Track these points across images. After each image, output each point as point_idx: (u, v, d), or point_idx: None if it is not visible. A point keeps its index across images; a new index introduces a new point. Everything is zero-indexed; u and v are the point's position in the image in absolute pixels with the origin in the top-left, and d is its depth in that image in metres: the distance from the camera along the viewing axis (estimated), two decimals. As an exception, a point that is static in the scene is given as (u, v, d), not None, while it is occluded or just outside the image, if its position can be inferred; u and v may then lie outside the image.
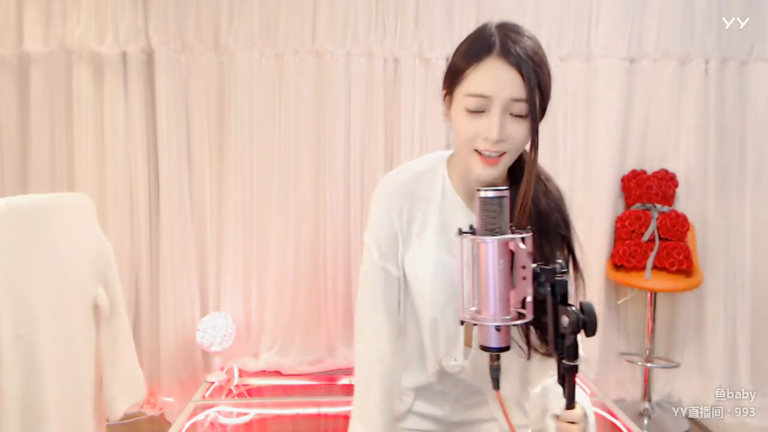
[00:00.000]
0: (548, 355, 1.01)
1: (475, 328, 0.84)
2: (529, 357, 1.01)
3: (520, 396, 1.17)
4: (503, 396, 1.18)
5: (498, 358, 0.83)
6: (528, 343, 1.00)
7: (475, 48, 0.94)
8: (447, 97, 1.03)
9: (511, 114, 0.93)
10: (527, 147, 1.00)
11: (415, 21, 2.86)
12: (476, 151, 0.96)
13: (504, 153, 0.96)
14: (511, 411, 1.20)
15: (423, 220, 1.08)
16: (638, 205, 2.88)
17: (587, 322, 0.79)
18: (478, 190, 0.80)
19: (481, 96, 0.93)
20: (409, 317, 1.15)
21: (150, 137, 2.84)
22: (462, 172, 1.07)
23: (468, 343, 1.08)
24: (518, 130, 0.94)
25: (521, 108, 0.93)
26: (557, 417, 0.91)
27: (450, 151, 1.14)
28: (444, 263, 1.06)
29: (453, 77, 0.99)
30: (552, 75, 0.97)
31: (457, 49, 1.01)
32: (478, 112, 0.94)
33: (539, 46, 0.96)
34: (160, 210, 2.84)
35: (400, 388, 1.21)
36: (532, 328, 0.97)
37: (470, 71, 0.94)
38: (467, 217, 1.05)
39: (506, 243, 0.79)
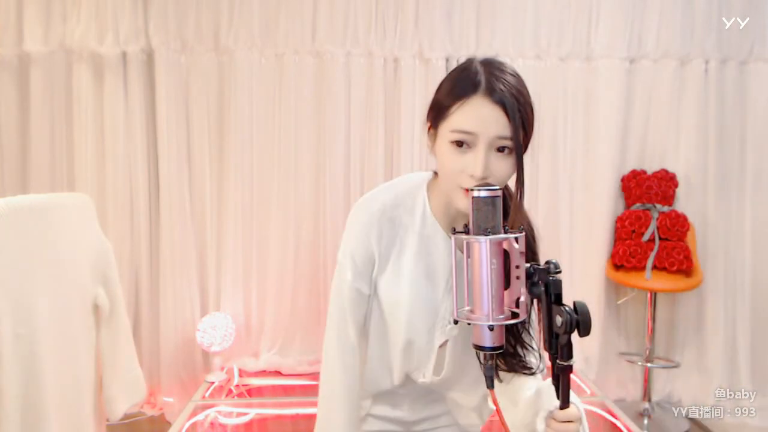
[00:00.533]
0: (511, 370, 1.04)
1: (470, 326, 0.84)
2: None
3: (475, 399, 1.20)
4: (458, 402, 1.20)
5: (492, 357, 0.83)
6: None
7: (461, 85, 0.95)
8: (431, 130, 1.03)
9: (495, 149, 0.94)
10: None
11: (415, 21, 2.86)
12: (456, 185, 0.97)
13: None
14: (468, 415, 1.22)
15: (401, 246, 1.08)
16: (638, 205, 2.88)
17: (581, 322, 0.79)
18: (472, 189, 0.80)
19: (467, 133, 0.93)
20: (374, 332, 1.16)
21: (150, 137, 2.85)
22: (444, 201, 1.07)
23: (438, 373, 1.12)
24: (503, 166, 0.95)
25: (506, 144, 0.93)
26: (552, 417, 0.91)
27: (428, 173, 1.14)
28: (421, 289, 1.07)
29: (438, 112, 0.99)
30: (535, 110, 0.97)
31: (442, 85, 1.01)
32: (463, 147, 0.95)
33: (523, 84, 0.97)
34: (160, 210, 2.84)
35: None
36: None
37: (456, 108, 0.95)
38: (446, 244, 1.06)
39: (499, 243, 0.79)
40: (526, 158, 0.97)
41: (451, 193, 1.00)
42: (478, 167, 0.92)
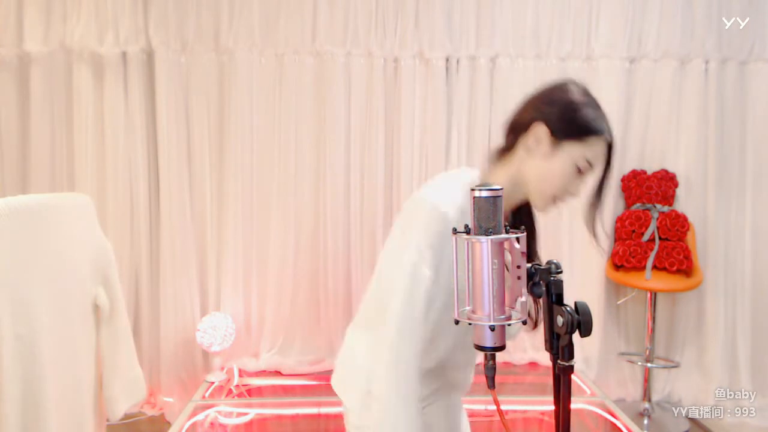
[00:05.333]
0: None
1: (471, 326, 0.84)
2: None
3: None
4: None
5: (493, 357, 0.83)
6: None
7: (601, 122, 1.05)
8: (553, 139, 1.04)
9: None
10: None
11: (415, 21, 2.86)
12: (553, 197, 1.06)
13: None
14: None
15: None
16: (638, 205, 2.88)
17: (582, 322, 0.79)
18: (473, 189, 0.80)
19: (593, 168, 1.05)
20: (445, 324, 1.09)
21: (150, 137, 2.85)
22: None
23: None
24: None
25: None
26: None
27: (476, 171, 1.14)
28: None
29: (575, 132, 1.03)
30: None
31: (583, 108, 1.05)
32: (580, 173, 1.05)
33: None
34: (160, 210, 2.84)
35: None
36: None
37: (595, 141, 1.03)
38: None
39: (501, 243, 0.79)
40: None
41: (536, 198, 1.08)
42: (580, 193, 1.06)
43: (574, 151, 1.03)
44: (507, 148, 1.11)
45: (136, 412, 2.79)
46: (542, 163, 1.04)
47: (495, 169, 1.13)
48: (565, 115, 1.04)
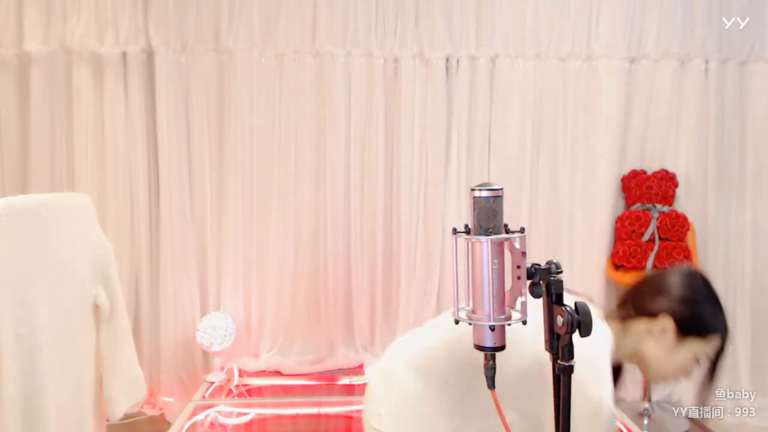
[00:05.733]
0: None
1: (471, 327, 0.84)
2: None
3: None
4: None
5: (493, 357, 0.83)
6: None
7: (725, 318, 1.14)
8: (678, 333, 1.13)
9: None
10: None
11: (415, 21, 2.86)
12: (667, 378, 1.19)
13: None
14: None
15: None
16: (638, 205, 2.88)
17: (582, 323, 0.79)
18: (473, 189, 0.80)
19: (710, 358, 1.15)
20: None
21: (150, 137, 2.85)
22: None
23: None
24: None
25: None
26: None
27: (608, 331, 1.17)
28: None
29: (702, 332, 1.13)
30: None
31: (712, 304, 1.15)
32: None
33: None
34: (160, 210, 2.84)
35: None
36: None
37: (717, 337, 1.13)
38: None
39: (501, 243, 0.79)
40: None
41: (652, 376, 1.21)
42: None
43: (696, 347, 1.13)
44: (627, 317, 1.19)
45: (136, 412, 2.79)
46: (665, 352, 1.15)
47: (617, 332, 1.19)
48: (693, 317, 1.14)
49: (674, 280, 1.17)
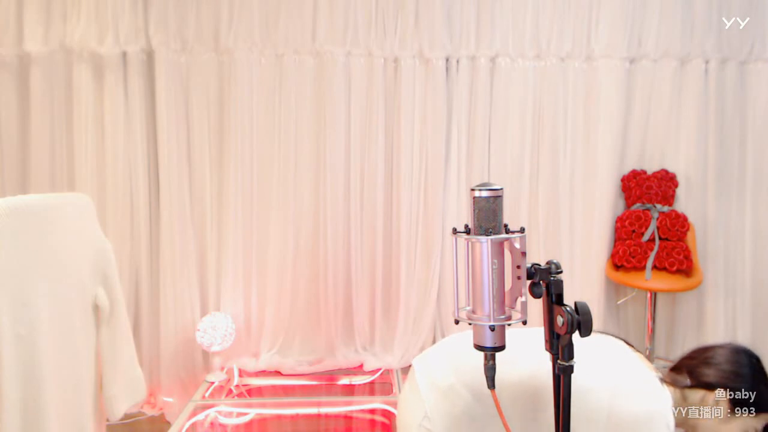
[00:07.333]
0: None
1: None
2: None
3: None
4: None
5: (493, 357, 0.83)
6: None
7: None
8: (731, 408, 1.24)
9: None
10: None
11: (415, 21, 2.86)
12: None
13: None
14: None
15: None
16: (638, 205, 2.88)
17: (582, 322, 0.79)
18: (473, 189, 0.80)
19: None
20: None
21: (150, 137, 2.85)
22: None
23: None
24: None
25: None
26: None
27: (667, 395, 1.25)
28: None
29: (755, 409, 1.23)
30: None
31: (764, 383, 1.25)
32: None
33: None
34: (160, 210, 2.84)
35: None
36: None
37: (765, 417, 1.22)
38: None
39: (501, 243, 0.79)
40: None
41: None
42: None
43: (747, 423, 1.22)
44: (683, 384, 1.29)
45: (136, 412, 2.79)
46: (717, 423, 1.24)
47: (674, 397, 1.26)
48: (750, 396, 1.23)
49: (735, 358, 1.27)
